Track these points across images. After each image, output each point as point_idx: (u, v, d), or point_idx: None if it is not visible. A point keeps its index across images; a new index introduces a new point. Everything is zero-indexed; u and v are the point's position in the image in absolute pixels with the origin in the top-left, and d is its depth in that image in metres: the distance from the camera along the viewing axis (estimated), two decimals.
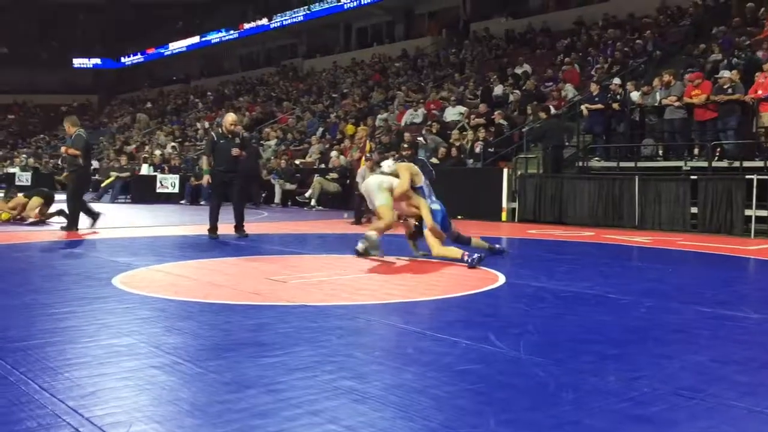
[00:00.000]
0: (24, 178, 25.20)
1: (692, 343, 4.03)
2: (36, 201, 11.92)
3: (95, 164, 27.43)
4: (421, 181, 7.77)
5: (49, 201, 12.15)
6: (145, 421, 2.64)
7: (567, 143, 15.05)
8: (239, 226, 9.89)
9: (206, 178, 9.87)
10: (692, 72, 13.48)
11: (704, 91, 12.58)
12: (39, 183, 22.33)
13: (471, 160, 15.40)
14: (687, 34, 18.08)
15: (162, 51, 46.42)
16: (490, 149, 15.22)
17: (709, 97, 12.43)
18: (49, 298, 5.07)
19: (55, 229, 10.74)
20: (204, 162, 9.97)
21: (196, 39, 43.44)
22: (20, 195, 12.57)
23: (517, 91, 18.18)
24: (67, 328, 4.15)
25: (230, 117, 10.25)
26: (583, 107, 14.43)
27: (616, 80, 14.66)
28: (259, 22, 38.75)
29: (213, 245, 9.03)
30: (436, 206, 7.60)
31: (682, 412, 2.81)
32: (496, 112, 16.61)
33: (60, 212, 11.98)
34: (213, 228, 9.74)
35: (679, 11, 20.22)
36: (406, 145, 15.28)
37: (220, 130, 10.08)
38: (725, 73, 12.58)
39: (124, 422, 2.61)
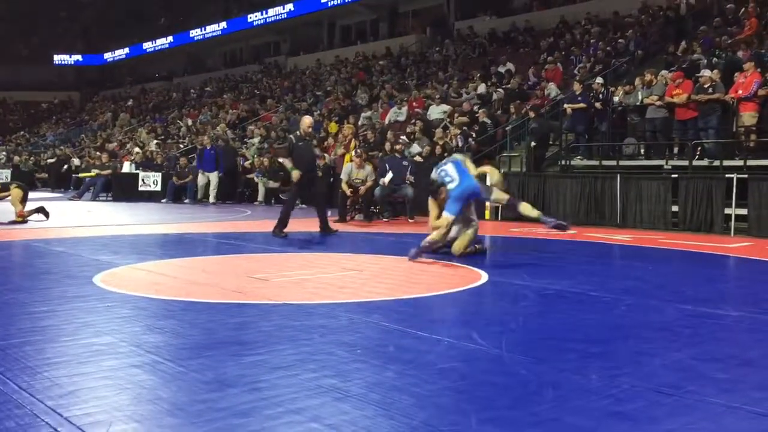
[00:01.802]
0: (3, 176, 24.91)
1: (673, 341, 4.06)
2: (17, 192, 11.80)
3: (76, 161, 27.23)
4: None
5: (24, 196, 12.02)
6: (125, 420, 2.62)
7: (552, 142, 15.13)
8: (326, 225, 10.17)
9: (296, 173, 9.77)
10: (673, 71, 13.57)
11: (685, 90, 12.67)
12: (18, 180, 22.10)
13: None
14: (668, 34, 18.19)
15: (144, 48, 46.07)
16: (471, 141, 15.18)
17: (690, 97, 12.52)
18: (28, 297, 5.02)
19: (35, 227, 10.63)
20: (287, 162, 10.08)
21: (178, 36, 43.14)
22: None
23: (501, 90, 18.23)
24: (46, 327, 4.11)
25: (308, 120, 10.49)
26: (566, 106, 14.50)
27: (599, 79, 14.74)
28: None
29: (196, 244, 8.98)
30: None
31: (662, 409, 2.83)
32: (480, 111, 16.63)
33: (39, 209, 11.91)
34: (284, 226, 9.73)
35: (660, 10, 20.33)
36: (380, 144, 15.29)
37: (298, 132, 10.17)
38: (706, 73, 12.67)
39: (103, 422, 2.59)
